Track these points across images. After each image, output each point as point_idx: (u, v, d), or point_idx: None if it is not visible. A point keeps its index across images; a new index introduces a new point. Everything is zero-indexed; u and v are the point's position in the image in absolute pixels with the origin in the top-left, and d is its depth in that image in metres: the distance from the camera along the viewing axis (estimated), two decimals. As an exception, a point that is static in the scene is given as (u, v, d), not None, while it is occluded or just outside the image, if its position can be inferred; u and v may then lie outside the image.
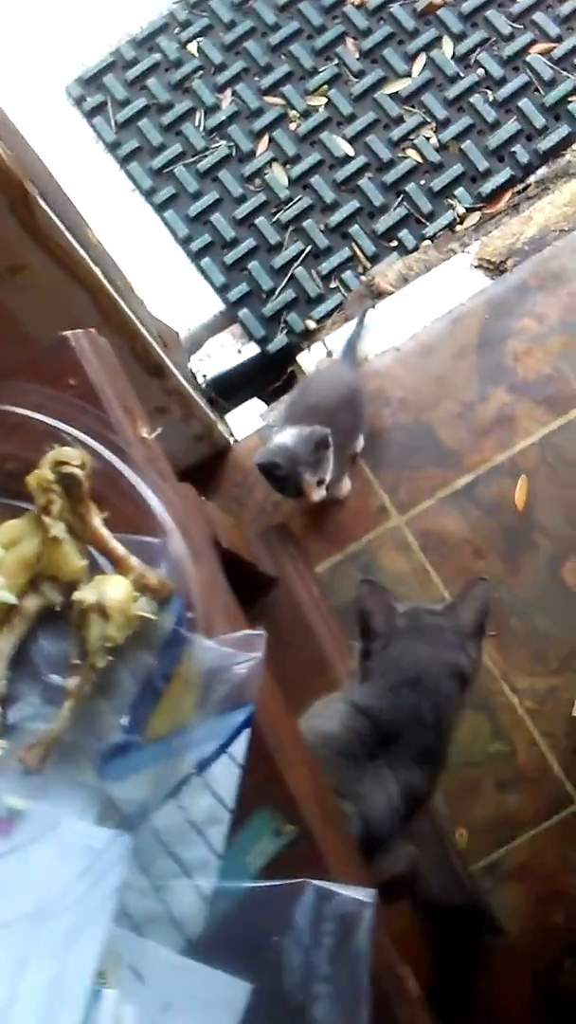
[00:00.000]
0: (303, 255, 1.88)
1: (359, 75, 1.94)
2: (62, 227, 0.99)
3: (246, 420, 1.81)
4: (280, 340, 1.86)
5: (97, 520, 0.69)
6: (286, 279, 1.88)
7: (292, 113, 1.94)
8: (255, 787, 0.67)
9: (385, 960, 0.65)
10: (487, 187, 1.86)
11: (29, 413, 0.71)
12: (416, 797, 1.09)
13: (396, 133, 1.90)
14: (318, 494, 1.52)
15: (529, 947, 1.48)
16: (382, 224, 1.87)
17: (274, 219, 1.90)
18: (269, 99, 1.96)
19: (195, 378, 1.84)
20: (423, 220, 1.87)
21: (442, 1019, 1.41)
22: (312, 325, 1.85)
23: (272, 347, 1.86)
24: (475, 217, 1.86)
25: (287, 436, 1.50)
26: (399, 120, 1.91)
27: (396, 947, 0.91)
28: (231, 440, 1.73)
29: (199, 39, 2.00)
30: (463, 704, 1.14)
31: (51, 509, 0.67)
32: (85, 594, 0.67)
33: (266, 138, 1.94)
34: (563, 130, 1.86)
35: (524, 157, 1.86)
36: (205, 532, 0.79)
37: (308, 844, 0.66)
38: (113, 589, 0.67)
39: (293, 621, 1.49)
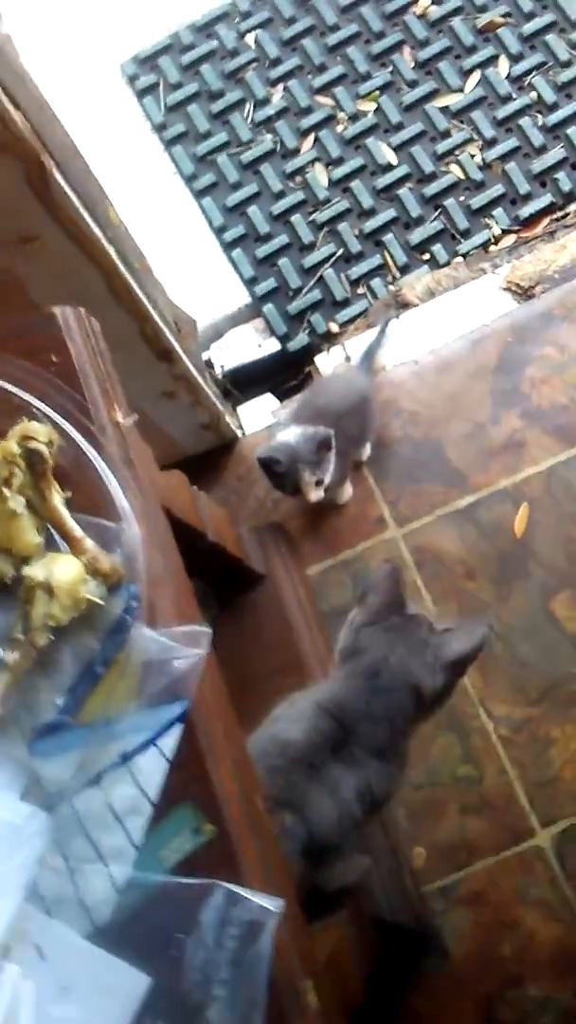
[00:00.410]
0: (334, 257, 1.88)
1: (412, 85, 1.93)
2: (78, 203, 0.99)
3: (257, 415, 1.81)
4: (301, 339, 1.86)
5: (57, 498, 0.69)
6: (314, 279, 1.87)
7: (340, 115, 1.94)
8: (181, 783, 0.67)
9: (286, 970, 0.65)
10: (526, 211, 1.85)
11: (5, 385, 0.71)
12: (373, 797, 1.07)
13: (441, 147, 1.89)
14: (316, 495, 1.52)
15: (473, 974, 1.47)
16: (416, 236, 1.87)
17: (310, 219, 1.90)
18: (320, 98, 1.96)
19: (211, 367, 1.84)
20: (458, 236, 1.86)
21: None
22: (335, 328, 1.85)
23: (292, 345, 1.86)
24: (510, 239, 1.85)
25: (290, 434, 1.50)
26: (446, 134, 1.90)
27: (329, 960, 0.91)
28: (239, 433, 1.73)
29: (257, 31, 2.00)
30: (419, 720, 1.13)
31: (12, 482, 0.68)
32: (35, 571, 0.67)
33: (312, 137, 1.94)
34: (609, 162, 1.84)
35: (567, 185, 1.85)
36: (166, 523, 0.79)
37: (225, 845, 0.66)
38: (63, 569, 0.67)
39: (276, 619, 1.49)
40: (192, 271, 1.91)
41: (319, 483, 1.51)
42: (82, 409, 0.73)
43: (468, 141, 1.89)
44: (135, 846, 0.66)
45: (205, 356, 1.88)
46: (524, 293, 1.76)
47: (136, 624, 0.68)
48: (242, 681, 1.44)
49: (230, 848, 0.66)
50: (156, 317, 1.17)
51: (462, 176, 1.88)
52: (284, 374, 1.88)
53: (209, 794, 0.67)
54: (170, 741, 0.67)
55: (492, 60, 1.93)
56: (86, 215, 1.02)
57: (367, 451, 1.69)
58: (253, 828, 0.69)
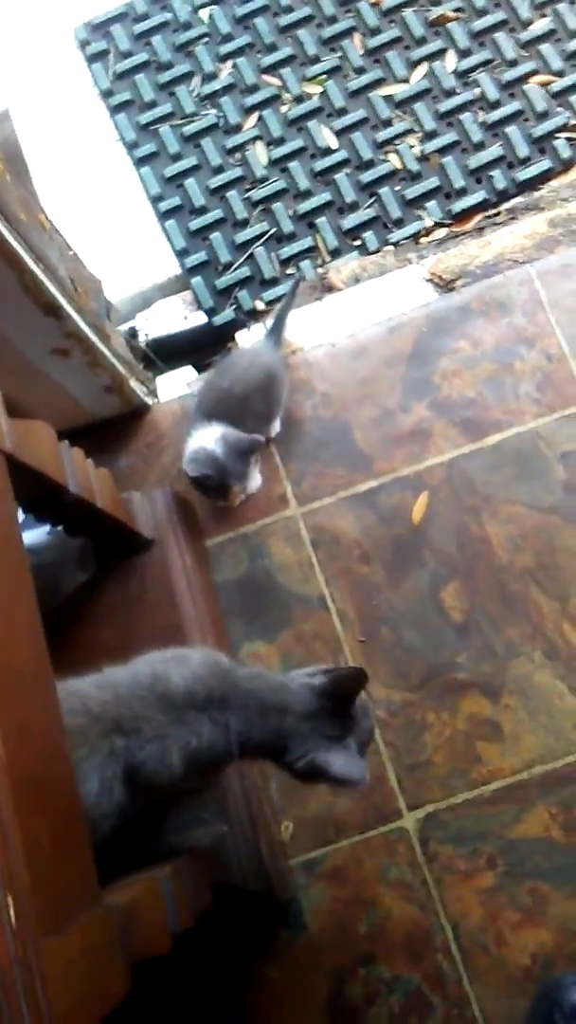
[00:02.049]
0: (267, 236, 1.89)
1: (359, 71, 1.95)
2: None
3: (174, 385, 1.83)
4: (227, 315, 1.87)
5: None
6: (245, 256, 1.89)
7: (286, 96, 1.95)
8: None
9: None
10: (459, 205, 1.87)
11: None
12: (199, 757, 1.08)
13: (382, 135, 1.91)
14: (240, 499, 1.61)
15: (327, 949, 1.49)
16: (349, 221, 1.88)
17: (246, 195, 1.91)
18: (266, 78, 1.97)
19: (135, 336, 1.85)
20: (390, 225, 1.87)
21: (225, 995, 1.44)
22: (260, 306, 1.86)
23: (218, 320, 1.87)
24: (441, 232, 1.87)
25: (212, 442, 1.54)
26: (388, 123, 1.92)
27: (130, 905, 0.93)
28: (148, 400, 1.74)
29: (211, 7, 2.01)
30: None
31: None
32: None
33: (255, 115, 1.95)
34: (544, 164, 1.86)
35: (501, 183, 1.86)
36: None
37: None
38: None
39: (160, 585, 1.50)
40: (126, 238, 1.92)
41: (243, 489, 1.59)
42: None
43: (408, 132, 1.91)
44: None
45: (130, 324, 1.89)
46: (445, 286, 1.77)
47: None
48: (123, 641, 1.46)
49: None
50: (37, 269, 1.18)
51: (399, 166, 1.89)
52: (208, 348, 1.89)
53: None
54: None
55: (440, 53, 1.94)
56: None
57: (276, 427, 1.70)
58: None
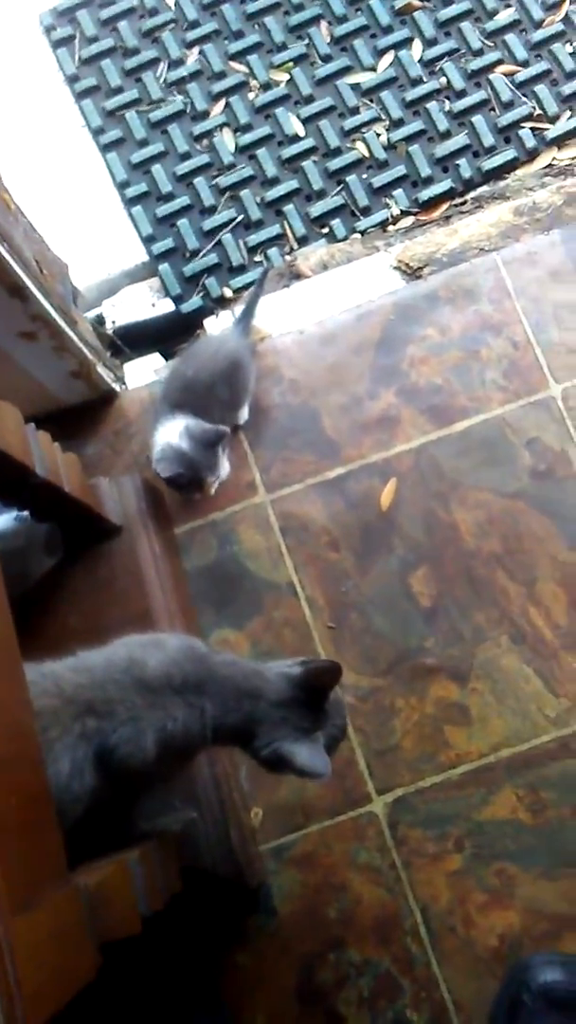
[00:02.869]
0: (234, 223, 1.88)
1: (326, 59, 1.95)
2: None
3: (142, 372, 1.82)
4: (195, 302, 1.86)
5: None
6: (213, 243, 1.88)
7: (253, 83, 1.95)
8: None
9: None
10: (425, 194, 1.87)
11: None
12: (173, 741, 1.08)
13: (349, 123, 1.91)
14: (214, 489, 1.60)
15: (297, 934, 1.50)
16: (317, 209, 1.88)
17: (213, 182, 1.90)
18: (234, 64, 1.96)
19: (102, 322, 1.84)
20: (358, 213, 1.88)
21: (198, 982, 1.43)
22: (228, 293, 1.86)
23: (186, 307, 1.86)
24: (408, 221, 1.87)
25: (177, 437, 1.52)
26: (355, 111, 1.92)
27: (98, 886, 0.92)
28: (116, 386, 1.73)
29: (179, -8, 2.00)
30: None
31: None
32: None
33: (223, 102, 1.94)
34: (509, 153, 1.87)
35: (467, 172, 1.87)
36: None
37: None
38: None
39: (128, 571, 1.49)
40: (92, 224, 1.90)
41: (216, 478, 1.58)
42: None
43: (375, 120, 1.91)
44: None
45: (97, 311, 1.88)
46: (413, 273, 1.78)
47: None
48: (90, 627, 1.46)
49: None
50: (1, 249, 1.16)
51: (366, 154, 1.90)
52: (176, 335, 1.88)
53: None
54: None
55: (406, 42, 1.95)
56: None
57: (244, 415, 1.70)
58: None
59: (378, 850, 1.51)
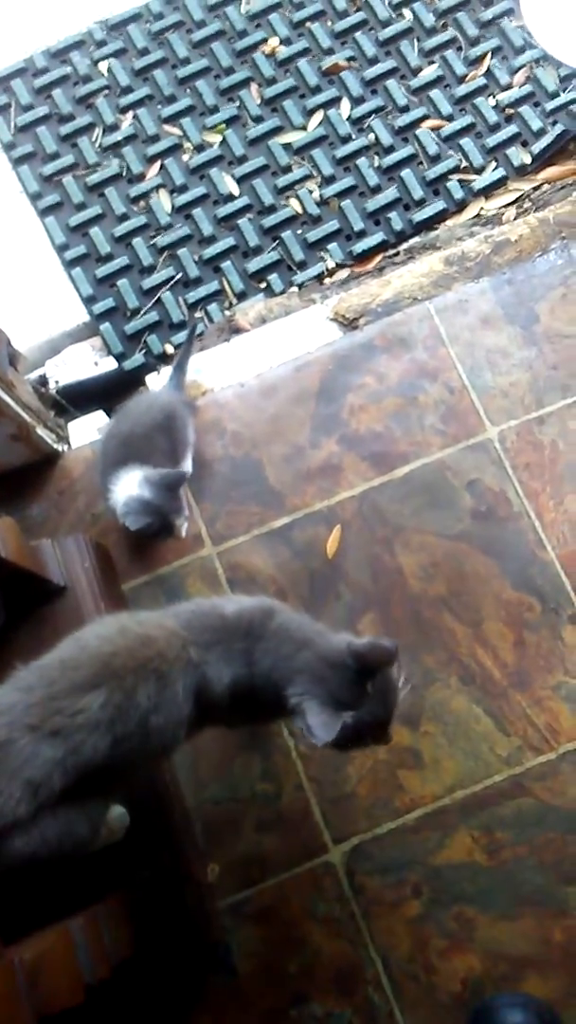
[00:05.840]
0: (173, 281, 1.92)
1: (257, 120, 2.00)
2: None
3: (85, 430, 1.83)
4: (137, 359, 1.88)
5: None
6: (153, 301, 1.91)
7: (187, 145, 1.99)
8: None
9: None
10: (359, 247, 1.92)
11: None
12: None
13: (282, 181, 1.95)
14: (184, 530, 1.59)
15: (259, 991, 1.48)
16: (254, 264, 1.92)
17: (151, 242, 1.94)
18: (167, 127, 2.01)
19: (44, 383, 1.85)
20: (294, 267, 1.91)
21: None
22: (170, 349, 1.88)
23: (128, 364, 1.88)
24: (343, 273, 1.91)
25: (137, 487, 1.53)
26: (287, 169, 1.96)
27: (35, 960, 0.91)
28: (59, 447, 1.74)
29: (111, 59, 2.05)
30: None
31: None
32: None
33: (158, 164, 1.98)
34: (439, 205, 1.92)
35: (398, 224, 1.92)
36: None
37: None
38: None
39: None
40: (32, 288, 1.93)
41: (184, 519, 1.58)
42: None
43: (308, 177, 1.96)
44: None
45: (40, 371, 1.89)
46: (349, 324, 1.81)
47: None
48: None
49: None
50: None
51: (300, 210, 1.94)
52: (120, 392, 1.90)
53: None
54: None
55: (334, 101, 2.00)
56: None
57: (187, 467, 1.71)
58: None
59: (336, 900, 1.50)
